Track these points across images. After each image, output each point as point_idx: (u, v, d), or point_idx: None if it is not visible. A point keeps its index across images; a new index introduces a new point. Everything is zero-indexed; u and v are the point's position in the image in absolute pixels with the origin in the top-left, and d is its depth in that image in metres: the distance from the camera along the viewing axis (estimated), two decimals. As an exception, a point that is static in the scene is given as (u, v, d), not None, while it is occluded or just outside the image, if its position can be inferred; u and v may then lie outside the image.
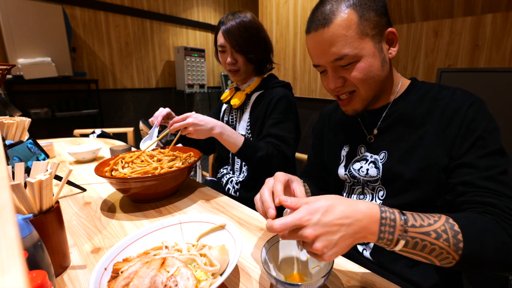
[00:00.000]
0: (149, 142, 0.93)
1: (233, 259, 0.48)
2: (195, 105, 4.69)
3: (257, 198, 0.52)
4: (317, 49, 0.58)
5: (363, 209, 0.42)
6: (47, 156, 0.83)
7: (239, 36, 0.98)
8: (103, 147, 1.44)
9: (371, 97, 0.60)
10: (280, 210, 0.46)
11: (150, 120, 0.99)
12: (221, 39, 1.01)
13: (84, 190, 0.92)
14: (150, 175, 0.75)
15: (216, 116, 1.25)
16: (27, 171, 0.55)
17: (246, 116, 1.09)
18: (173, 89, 4.27)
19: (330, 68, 0.58)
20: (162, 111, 0.97)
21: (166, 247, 0.54)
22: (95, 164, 1.13)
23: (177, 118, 0.82)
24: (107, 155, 1.32)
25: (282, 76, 2.65)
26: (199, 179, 1.95)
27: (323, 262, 0.50)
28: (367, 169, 0.65)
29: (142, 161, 0.87)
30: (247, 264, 0.56)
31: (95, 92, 3.28)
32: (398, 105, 0.63)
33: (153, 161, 0.87)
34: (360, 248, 0.66)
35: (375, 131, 0.65)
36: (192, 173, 1.52)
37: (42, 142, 1.23)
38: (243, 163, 1.11)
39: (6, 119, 0.88)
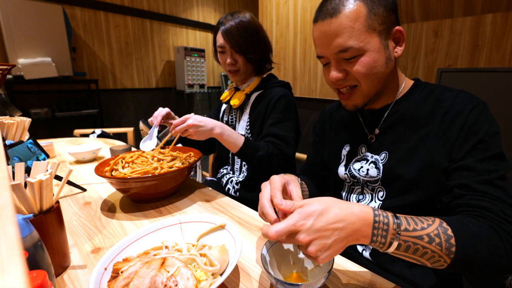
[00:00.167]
0: (149, 142, 0.93)
1: (233, 259, 0.48)
2: (195, 105, 4.69)
3: (260, 212, 0.52)
4: (323, 39, 0.57)
5: (357, 212, 0.42)
6: (47, 156, 0.83)
7: (239, 36, 0.98)
8: (103, 147, 1.44)
9: (372, 93, 0.60)
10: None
11: (149, 120, 0.99)
12: (220, 40, 1.01)
13: (84, 190, 0.92)
14: (150, 175, 0.75)
15: (216, 116, 1.25)
16: (27, 171, 0.55)
17: (245, 116, 1.09)
18: (173, 89, 4.27)
19: (333, 60, 0.58)
20: (162, 111, 0.97)
21: (166, 247, 0.54)
22: (95, 164, 1.13)
23: (177, 121, 0.81)
24: (107, 155, 1.32)
25: (282, 76, 2.65)
26: (199, 179, 1.95)
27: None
28: (367, 169, 0.64)
29: (143, 161, 0.87)
30: (247, 264, 0.56)
31: (95, 92, 3.28)
32: (401, 105, 0.62)
33: (153, 161, 0.87)
34: (359, 248, 0.66)
35: (377, 131, 0.65)
36: (192, 173, 1.52)
37: (42, 142, 1.23)
38: (243, 163, 1.11)
39: (6, 119, 0.88)
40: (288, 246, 0.55)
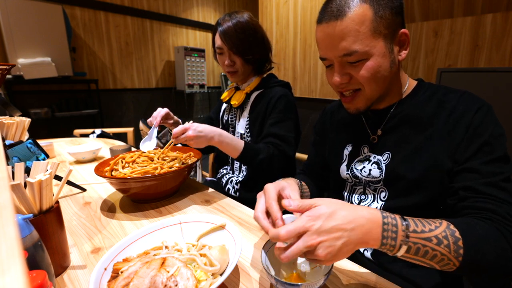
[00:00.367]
0: (148, 143, 0.93)
1: (233, 259, 0.48)
2: (195, 105, 4.69)
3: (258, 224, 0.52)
4: (327, 41, 0.56)
5: (366, 215, 0.42)
6: (47, 156, 0.83)
7: (236, 37, 0.98)
8: (103, 147, 1.44)
9: (375, 97, 0.59)
10: None
11: (148, 120, 0.99)
12: (218, 41, 1.01)
13: (84, 190, 0.92)
14: (150, 175, 0.75)
15: (216, 115, 1.25)
16: (27, 171, 0.55)
17: (245, 115, 1.09)
18: (173, 89, 4.27)
19: (337, 63, 0.57)
20: (161, 112, 0.97)
21: (166, 247, 0.54)
22: (95, 164, 1.13)
23: (177, 130, 0.80)
24: (107, 155, 1.32)
25: (282, 76, 2.65)
26: (199, 179, 1.95)
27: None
28: (370, 170, 0.64)
29: (143, 161, 0.87)
30: (247, 264, 0.56)
31: (95, 92, 3.28)
32: (404, 106, 0.62)
33: (157, 160, 0.87)
34: (361, 248, 0.66)
35: (379, 132, 0.65)
36: (192, 173, 1.52)
37: (42, 142, 1.23)
38: None
39: (6, 119, 0.88)
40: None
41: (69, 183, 0.91)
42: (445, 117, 0.56)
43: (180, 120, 1.10)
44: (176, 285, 0.42)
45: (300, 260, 0.54)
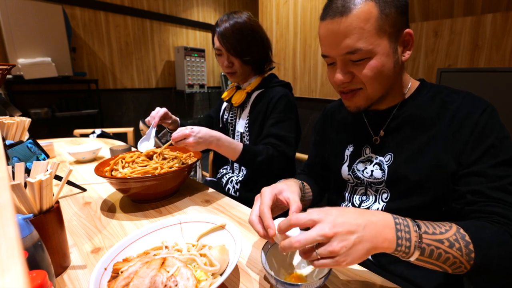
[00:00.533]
0: (146, 143, 0.93)
1: (233, 259, 0.48)
2: (195, 105, 4.69)
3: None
4: (330, 38, 0.54)
5: (376, 215, 0.42)
6: (47, 156, 0.83)
7: (233, 38, 0.97)
8: (103, 147, 1.44)
9: (376, 97, 0.58)
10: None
11: (146, 120, 0.98)
12: (216, 43, 1.01)
13: (84, 190, 0.92)
14: (150, 175, 0.76)
15: (216, 114, 1.25)
16: (27, 171, 0.55)
17: (245, 114, 1.09)
18: (173, 89, 4.27)
19: (340, 61, 0.56)
20: (159, 112, 0.97)
21: (166, 247, 0.54)
22: (95, 164, 1.13)
23: (177, 136, 0.79)
24: (107, 155, 1.32)
25: (282, 76, 2.65)
26: (199, 179, 1.95)
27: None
28: (372, 171, 0.64)
29: (143, 161, 0.87)
30: (247, 264, 0.56)
31: (95, 92, 3.28)
32: (407, 106, 0.61)
33: (156, 160, 0.87)
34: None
35: (382, 132, 0.64)
36: (192, 173, 1.52)
37: (42, 142, 1.23)
38: None
39: (6, 119, 0.88)
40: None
41: (69, 183, 0.91)
42: (448, 118, 0.56)
43: (178, 120, 1.10)
44: (176, 285, 0.42)
45: (300, 260, 0.54)
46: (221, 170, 1.21)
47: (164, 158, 0.89)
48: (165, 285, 0.42)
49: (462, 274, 0.44)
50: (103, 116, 3.39)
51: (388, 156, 0.62)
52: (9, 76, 2.62)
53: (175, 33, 4.18)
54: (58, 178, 0.70)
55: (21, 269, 0.12)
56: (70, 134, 2.01)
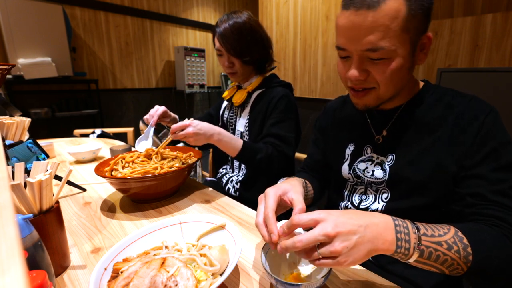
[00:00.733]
0: (144, 142, 0.93)
1: (233, 259, 0.48)
2: (195, 105, 4.69)
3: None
4: (351, 32, 0.50)
5: (377, 216, 0.42)
6: (47, 156, 0.83)
7: (233, 39, 0.98)
8: (103, 147, 1.44)
9: (387, 97, 0.57)
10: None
11: (145, 118, 0.98)
12: (217, 43, 1.02)
13: (84, 190, 0.92)
14: (150, 175, 0.75)
15: (216, 113, 1.25)
16: (27, 171, 0.55)
17: (246, 114, 1.09)
18: (173, 89, 4.27)
19: (357, 56, 0.52)
20: (158, 110, 0.97)
21: (166, 247, 0.54)
22: (95, 164, 1.13)
23: (176, 126, 0.80)
24: (107, 155, 1.32)
25: (282, 76, 2.65)
26: (199, 179, 1.95)
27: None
28: (373, 170, 0.63)
29: (143, 161, 0.87)
30: (247, 264, 0.56)
31: (95, 92, 3.28)
32: (411, 108, 0.61)
33: (153, 161, 0.87)
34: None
35: (384, 132, 0.64)
36: (192, 173, 1.52)
37: (42, 142, 1.23)
38: None
39: (6, 119, 0.88)
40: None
41: (69, 183, 0.91)
42: (453, 121, 0.55)
43: (177, 117, 1.10)
44: (176, 285, 0.42)
45: (300, 260, 0.54)
46: (221, 170, 1.21)
47: (164, 158, 0.89)
48: (165, 285, 0.42)
49: (458, 275, 0.45)
50: (103, 116, 3.39)
51: (390, 157, 0.61)
52: (9, 76, 2.62)
53: (175, 33, 4.18)
54: (58, 178, 0.70)
55: (21, 269, 0.12)
56: (70, 134, 2.01)
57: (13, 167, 0.52)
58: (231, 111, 1.16)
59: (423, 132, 0.58)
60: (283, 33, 2.57)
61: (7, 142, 0.78)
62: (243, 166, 1.11)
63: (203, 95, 4.76)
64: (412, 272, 0.60)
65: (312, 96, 2.47)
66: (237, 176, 1.11)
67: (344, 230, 0.39)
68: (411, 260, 0.42)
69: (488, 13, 1.59)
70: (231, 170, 1.18)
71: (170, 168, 0.83)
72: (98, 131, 2.04)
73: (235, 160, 1.15)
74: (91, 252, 0.60)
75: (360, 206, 0.66)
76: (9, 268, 0.12)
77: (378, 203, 0.63)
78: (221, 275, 0.47)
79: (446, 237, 0.43)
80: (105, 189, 0.93)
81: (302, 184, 0.63)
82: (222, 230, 0.58)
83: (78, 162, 1.24)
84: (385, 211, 0.61)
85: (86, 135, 2.01)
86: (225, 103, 1.22)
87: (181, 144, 1.26)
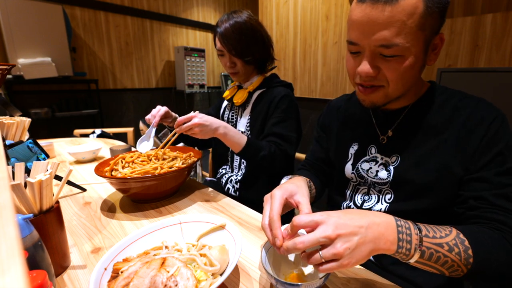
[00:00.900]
0: (145, 143, 0.92)
1: (233, 259, 0.48)
2: (195, 105, 4.69)
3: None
4: (366, 26, 0.48)
5: (379, 216, 0.42)
6: (47, 156, 0.83)
7: (234, 39, 0.98)
8: (103, 147, 1.44)
9: (395, 96, 0.56)
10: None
11: (146, 118, 0.98)
12: (218, 43, 1.02)
13: (84, 190, 0.92)
14: (150, 175, 0.75)
15: (216, 113, 1.25)
16: (27, 171, 0.55)
17: (247, 114, 1.09)
18: (173, 89, 4.27)
19: (369, 52, 0.51)
20: (160, 110, 0.96)
21: (166, 247, 0.54)
22: (95, 164, 1.13)
23: (182, 118, 0.80)
24: (107, 155, 1.32)
25: (282, 76, 2.65)
26: (199, 179, 1.95)
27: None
28: (377, 171, 0.63)
29: (143, 161, 0.87)
30: (247, 264, 0.56)
31: (95, 92, 3.28)
32: (418, 108, 0.60)
33: (155, 161, 0.87)
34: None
35: (390, 133, 0.63)
36: (192, 173, 1.52)
37: (42, 142, 1.23)
38: (242, 160, 1.11)
39: (6, 119, 0.88)
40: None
41: (69, 183, 0.91)
42: (460, 123, 0.55)
43: (178, 117, 1.10)
44: (176, 285, 0.42)
45: (300, 260, 0.54)
46: (220, 170, 1.21)
47: (164, 158, 0.89)
48: (165, 285, 0.42)
49: (458, 277, 0.45)
50: (103, 116, 3.39)
51: (395, 157, 0.61)
52: (9, 76, 2.62)
53: (175, 33, 4.18)
54: (58, 178, 0.70)
55: (21, 269, 0.12)
56: (70, 134, 2.01)
57: (13, 167, 0.52)
58: (232, 111, 1.16)
59: (430, 134, 0.57)
60: (283, 33, 2.57)
61: (7, 142, 0.78)
62: (242, 166, 1.11)
63: (203, 95, 4.76)
64: (413, 273, 0.60)
65: (312, 96, 2.47)
66: (236, 176, 1.11)
67: (345, 232, 0.39)
68: (411, 261, 0.42)
69: (488, 13, 1.59)
70: (230, 170, 1.18)
71: (170, 168, 0.83)
72: (98, 131, 2.04)
73: (234, 160, 1.15)
74: (91, 252, 0.60)
75: (363, 207, 0.66)
76: (9, 268, 0.12)
77: (381, 204, 0.63)
78: (221, 275, 0.48)
79: (447, 239, 0.43)
80: (105, 189, 0.93)
81: (307, 184, 0.62)
82: (222, 230, 0.58)
83: (78, 162, 1.24)
84: (388, 212, 0.61)
85: (86, 135, 2.01)
86: (225, 103, 1.22)
87: (181, 144, 1.26)
